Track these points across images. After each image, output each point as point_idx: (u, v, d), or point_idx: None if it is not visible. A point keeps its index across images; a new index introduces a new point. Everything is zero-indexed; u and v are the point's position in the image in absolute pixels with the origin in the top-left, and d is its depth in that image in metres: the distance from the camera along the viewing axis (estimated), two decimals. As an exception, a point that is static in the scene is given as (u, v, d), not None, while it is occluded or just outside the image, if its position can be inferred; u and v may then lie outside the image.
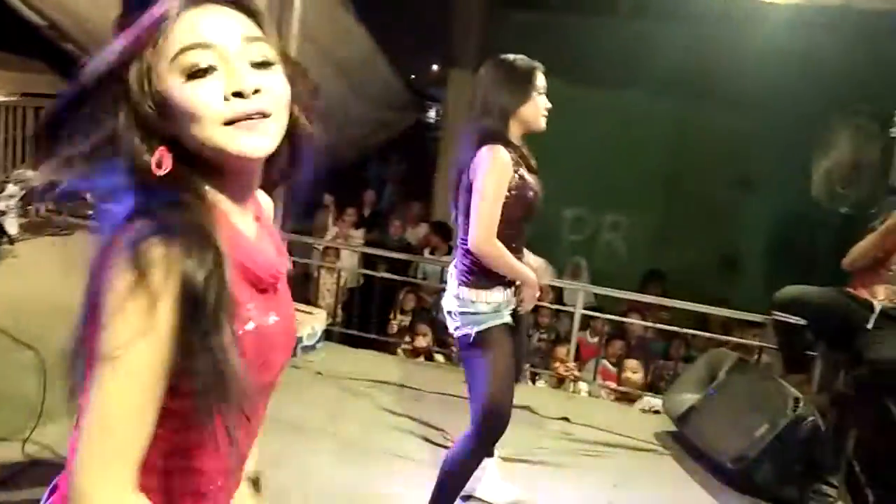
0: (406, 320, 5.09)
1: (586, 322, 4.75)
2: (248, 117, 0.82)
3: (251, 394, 0.84)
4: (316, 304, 4.73)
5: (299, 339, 3.89)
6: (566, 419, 3.45)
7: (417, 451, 3.04)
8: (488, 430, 2.25)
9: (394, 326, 5.09)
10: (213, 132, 0.81)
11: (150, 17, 0.83)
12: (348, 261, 5.69)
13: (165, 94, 0.82)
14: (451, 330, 2.33)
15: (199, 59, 0.81)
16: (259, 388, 0.91)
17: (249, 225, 0.93)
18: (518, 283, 2.29)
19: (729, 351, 3.66)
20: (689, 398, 3.34)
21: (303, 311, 4.06)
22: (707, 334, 4.33)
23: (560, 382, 4.27)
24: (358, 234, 6.37)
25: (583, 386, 4.24)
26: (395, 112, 7.51)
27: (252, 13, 0.87)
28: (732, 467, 2.94)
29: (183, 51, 0.81)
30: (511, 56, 2.27)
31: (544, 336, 5.08)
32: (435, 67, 9.11)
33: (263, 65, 0.84)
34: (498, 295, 2.24)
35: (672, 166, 6.55)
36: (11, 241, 3.58)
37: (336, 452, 2.94)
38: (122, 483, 0.78)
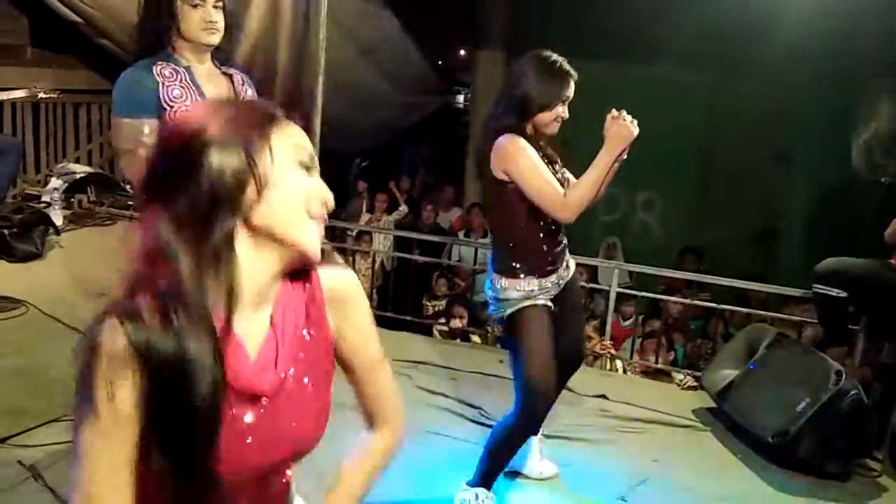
0: (439, 305, 5.12)
1: (617, 306, 4.73)
2: (324, 221, 0.94)
3: (215, 485, 0.85)
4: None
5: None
6: (604, 396, 3.45)
7: (456, 428, 3.07)
8: (530, 408, 2.27)
9: (428, 309, 5.13)
10: (301, 219, 0.90)
11: (266, 109, 0.92)
12: (382, 245, 5.74)
13: (277, 172, 0.88)
14: (490, 311, 2.39)
15: (310, 160, 0.93)
16: (229, 482, 0.88)
17: (256, 328, 0.92)
18: (556, 267, 2.30)
19: (768, 326, 3.61)
20: (728, 374, 3.31)
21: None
22: (745, 310, 4.27)
23: (595, 360, 4.27)
24: (391, 219, 6.42)
25: (619, 364, 4.23)
26: (424, 95, 7.51)
27: None
28: (774, 442, 2.91)
29: (300, 146, 0.92)
30: (554, 56, 2.25)
31: (579, 316, 5.07)
32: (462, 52, 9.06)
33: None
34: (530, 283, 2.26)
35: (705, 141, 6.45)
36: (58, 231, 3.70)
37: (376, 431, 2.99)
38: None
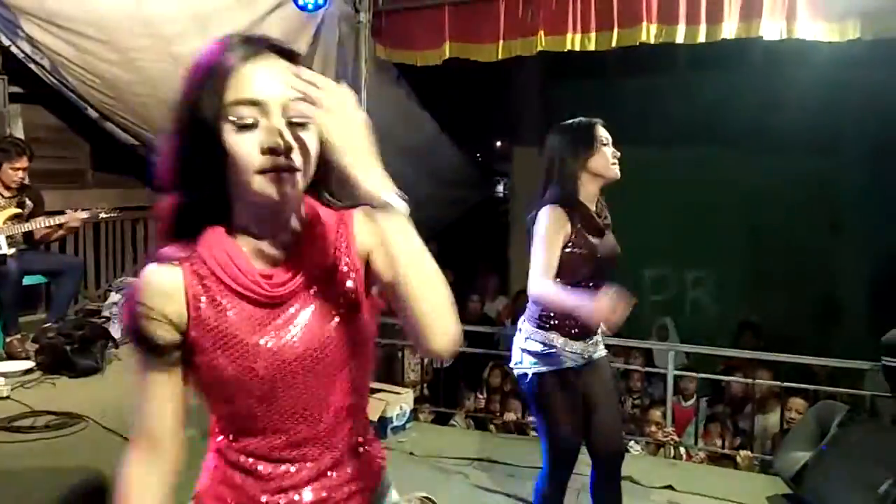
0: (494, 399, 5.02)
1: (677, 386, 4.57)
2: (278, 170, 0.94)
3: (232, 390, 1.01)
4: (402, 384, 4.75)
5: (389, 420, 3.90)
6: (671, 487, 3.30)
7: (516, 528, 2.96)
8: (557, 465, 2.34)
9: (482, 402, 5.04)
10: (248, 178, 0.95)
11: (213, 71, 0.95)
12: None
13: (221, 135, 0.95)
14: (512, 366, 2.38)
15: (246, 113, 0.94)
16: (251, 387, 1.00)
17: (269, 248, 1.03)
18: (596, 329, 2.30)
19: (838, 403, 3.45)
20: (800, 456, 3.15)
21: (390, 392, 4.09)
22: (811, 387, 4.07)
23: (658, 448, 4.10)
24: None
25: (682, 451, 4.05)
26: (464, 190, 7.66)
27: (295, 58, 1.00)
28: (858, 529, 2.73)
29: (235, 104, 0.94)
30: (571, 120, 2.34)
31: (637, 402, 4.92)
32: (499, 144, 9.28)
33: (300, 125, 0.96)
34: (553, 338, 2.24)
35: (753, 217, 6.34)
36: (117, 344, 3.80)
37: (435, 534, 2.90)
38: (133, 443, 1.05)
